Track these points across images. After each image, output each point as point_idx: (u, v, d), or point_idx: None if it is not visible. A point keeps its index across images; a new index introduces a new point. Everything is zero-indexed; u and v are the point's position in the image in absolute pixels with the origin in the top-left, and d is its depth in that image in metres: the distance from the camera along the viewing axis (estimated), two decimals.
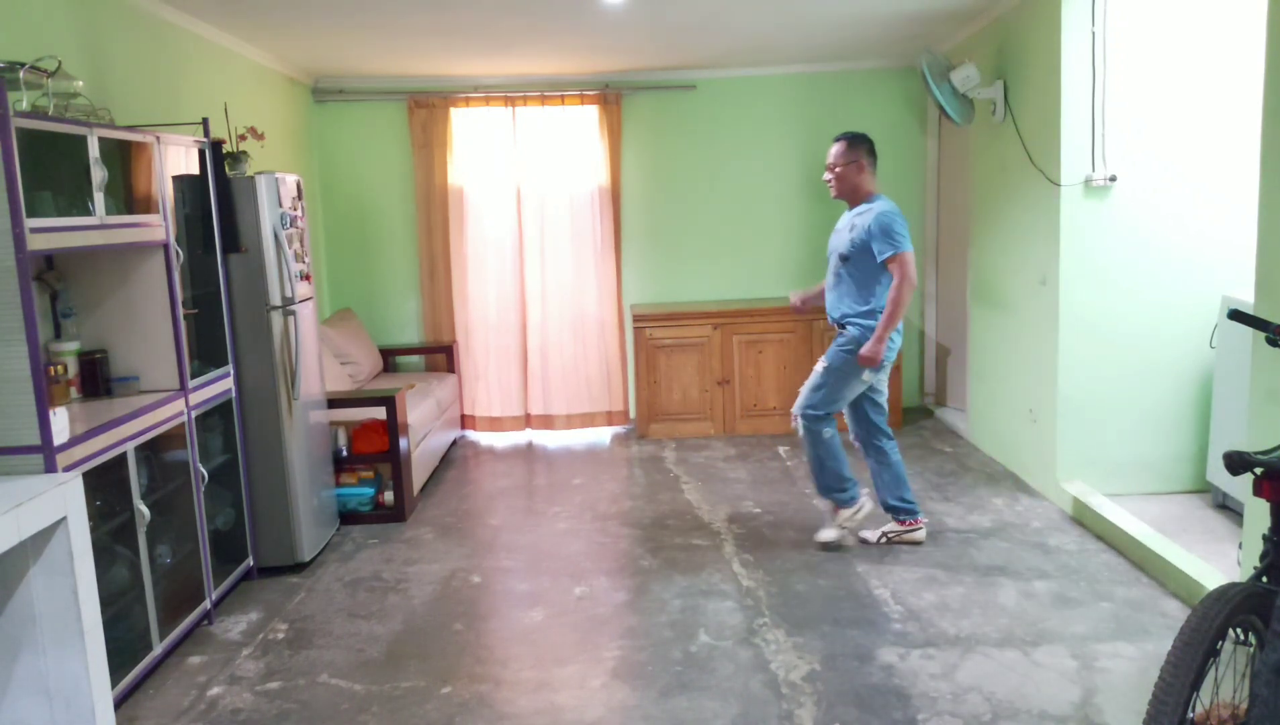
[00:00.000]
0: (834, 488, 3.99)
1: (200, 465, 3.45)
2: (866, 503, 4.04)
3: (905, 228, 3.79)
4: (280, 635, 3.44)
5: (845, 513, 4.02)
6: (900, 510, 4.02)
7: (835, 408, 3.93)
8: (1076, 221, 4.31)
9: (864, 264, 3.84)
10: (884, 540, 4.04)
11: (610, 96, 6.17)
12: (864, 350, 3.80)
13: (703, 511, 4.62)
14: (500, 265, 6.34)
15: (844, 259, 3.90)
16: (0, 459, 2.50)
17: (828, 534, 4.03)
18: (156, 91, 4.03)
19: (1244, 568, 3.09)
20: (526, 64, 5.83)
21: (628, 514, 4.64)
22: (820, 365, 3.95)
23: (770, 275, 6.47)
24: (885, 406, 4.08)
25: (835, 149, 3.92)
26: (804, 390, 3.98)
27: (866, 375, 3.89)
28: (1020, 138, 4.68)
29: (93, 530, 2.52)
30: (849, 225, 3.91)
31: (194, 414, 3.43)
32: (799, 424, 3.96)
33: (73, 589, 2.38)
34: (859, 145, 3.88)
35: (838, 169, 3.90)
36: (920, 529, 4.04)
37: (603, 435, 6.32)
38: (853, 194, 3.91)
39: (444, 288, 6.33)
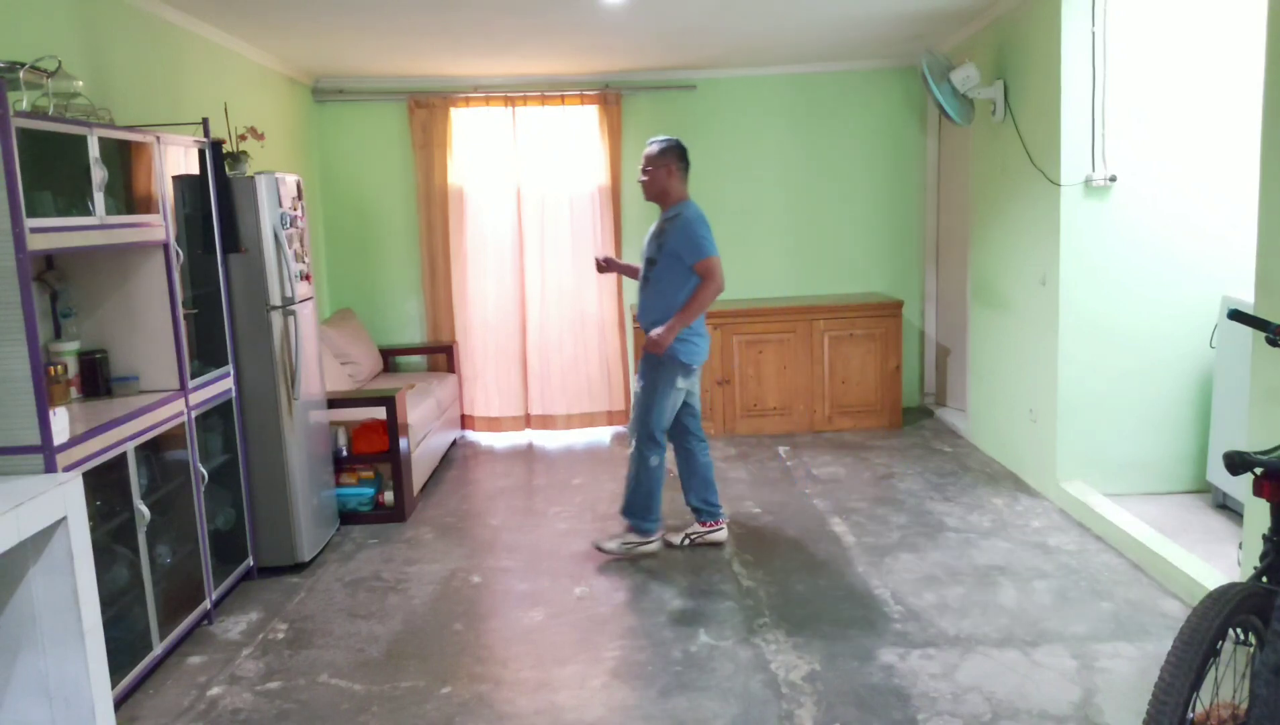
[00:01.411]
0: (638, 514, 4.04)
1: (200, 465, 3.45)
2: (657, 547, 4.08)
3: (708, 232, 3.87)
4: (280, 635, 3.44)
5: (635, 539, 4.05)
6: (703, 512, 4.15)
7: (665, 422, 3.98)
8: (1076, 221, 4.31)
9: (671, 269, 3.89)
10: (686, 542, 4.13)
11: (610, 96, 6.17)
12: (652, 333, 3.87)
13: None
14: (500, 265, 6.34)
15: (650, 262, 3.98)
16: (0, 459, 2.50)
17: (610, 544, 4.06)
18: (156, 91, 4.03)
19: (1244, 568, 3.09)
20: (526, 64, 5.83)
21: None
22: (637, 385, 4.01)
23: (770, 275, 6.48)
24: (699, 410, 4.16)
25: (648, 151, 4.00)
26: (632, 412, 4.02)
27: (681, 382, 3.95)
28: (1020, 138, 4.68)
29: (93, 530, 2.52)
30: (658, 229, 3.99)
31: (194, 414, 3.43)
32: (631, 443, 4.03)
33: (73, 589, 2.38)
34: (670, 152, 3.96)
35: (649, 170, 3.97)
36: (721, 529, 4.16)
37: (603, 435, 6.32)
38: (661, 197, 3.99)
39: (444, 288, 6.33)
